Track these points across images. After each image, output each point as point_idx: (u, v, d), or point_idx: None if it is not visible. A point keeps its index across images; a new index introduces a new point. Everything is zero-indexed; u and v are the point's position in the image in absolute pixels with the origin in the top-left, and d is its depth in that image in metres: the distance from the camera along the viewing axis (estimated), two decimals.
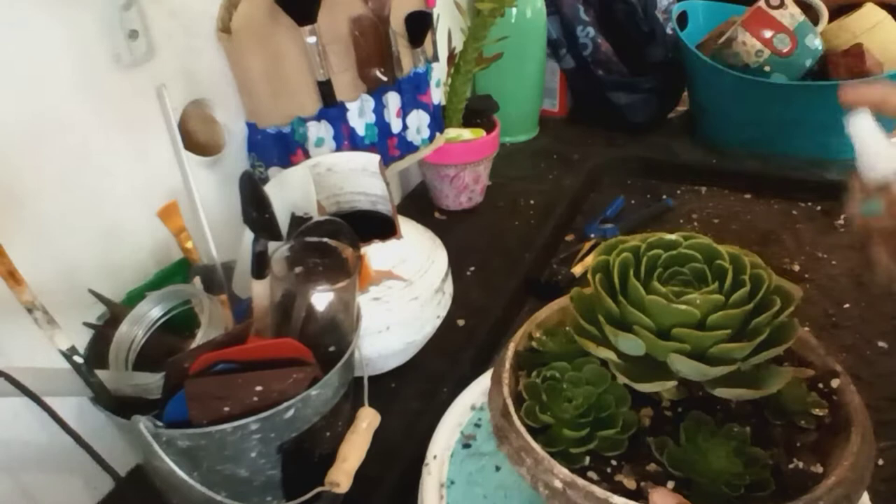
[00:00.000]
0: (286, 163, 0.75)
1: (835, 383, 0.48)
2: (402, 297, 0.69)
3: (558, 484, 0.41)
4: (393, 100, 0.82)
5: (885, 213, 0.41)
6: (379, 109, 0.82)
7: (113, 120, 0.60)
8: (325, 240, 0.56)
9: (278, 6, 0.68)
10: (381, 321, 0.68)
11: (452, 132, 1.02)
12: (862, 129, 0.43)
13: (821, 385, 0.49)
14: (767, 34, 1.11)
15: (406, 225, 0.73)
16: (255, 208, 0.50)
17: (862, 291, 0.88)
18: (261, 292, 0.54)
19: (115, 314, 0.57)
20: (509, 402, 0.47)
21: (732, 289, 0.44)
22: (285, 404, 0.48)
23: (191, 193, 0.65)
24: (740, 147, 1.21)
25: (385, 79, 0.81)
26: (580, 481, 0.41)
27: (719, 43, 1.16)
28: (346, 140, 0.79)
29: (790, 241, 1.01)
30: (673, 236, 0.48)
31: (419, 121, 0.87)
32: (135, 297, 0.58)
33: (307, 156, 0.76)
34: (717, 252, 0.47)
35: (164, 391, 0.50)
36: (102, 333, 0.56)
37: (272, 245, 0.53)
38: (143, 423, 0.45)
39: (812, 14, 1.16)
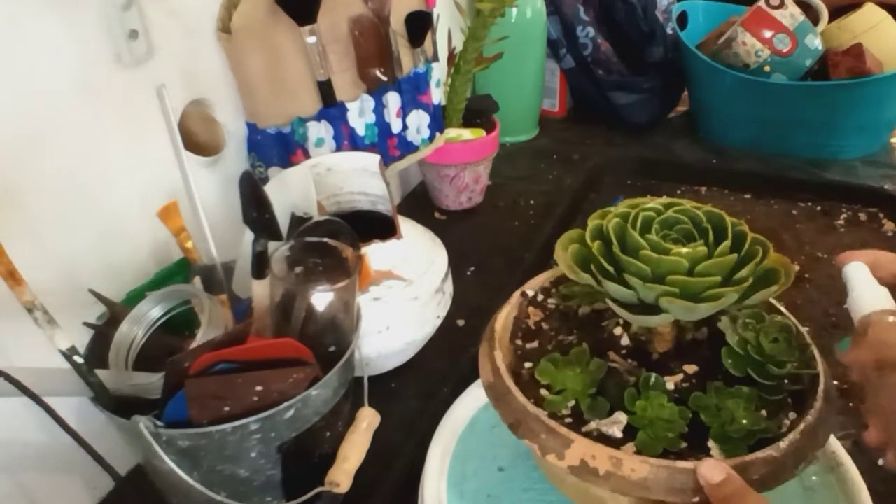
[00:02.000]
0: (286, 163, 0.75)
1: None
2: (402, 297, 0.69)
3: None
4: (393, 100, 0.82)
5: (851, 346, 0.44)
6: (379, 109, 0.82)
7: (113, 120, 0.60)
8: (325, 240, 0.56)
9: (278, 6, 0.68)
10: (381, 321, 0.68)
11: (452, 132, 1.02)
12: (854, 276, 0.47)
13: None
14: (767, 34, 1.11)
15: (406, 225, 0.73)
16: (255, 208, 0.50)
17: None
18: (261, 292, 0.54)
19: (115, 314, 0.57)
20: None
21: (717, 243, 0.46)
22: (285, 404, 0.48)
23: (191, 193, 0.65)
24: (740, 147, 1.22)
25: (385, 79, 0.81)
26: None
27: (719, 43, 1.16)
28: (346, 140, 0.79)
29: (790, 241, 1.01)
30: (656, 203, 0.50)
31: (419, 121, 0.87)
32: (135, 297, 0.58)
33: (307, 156, 0.75)
34: (699, 213, 0.49)
35: (164, 391, 0.50)
36: (102, 333, 0.56)
37: (272, 245, 0.53)
38: (143, 423, 0.45)
39: (812, 14, 1.17)
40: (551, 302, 0.57)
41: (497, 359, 0.49)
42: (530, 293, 0.57)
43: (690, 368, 0.50)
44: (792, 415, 0.46)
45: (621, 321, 0.53)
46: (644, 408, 0.46)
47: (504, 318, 0.54)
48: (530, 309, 0.56)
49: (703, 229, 0.47)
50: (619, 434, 0.45)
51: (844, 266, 0.48)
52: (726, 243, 0.46)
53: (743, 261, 0.46)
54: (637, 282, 0.45)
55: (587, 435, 0.44)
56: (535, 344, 0.53)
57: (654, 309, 0.46)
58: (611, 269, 0.46)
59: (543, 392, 0.49)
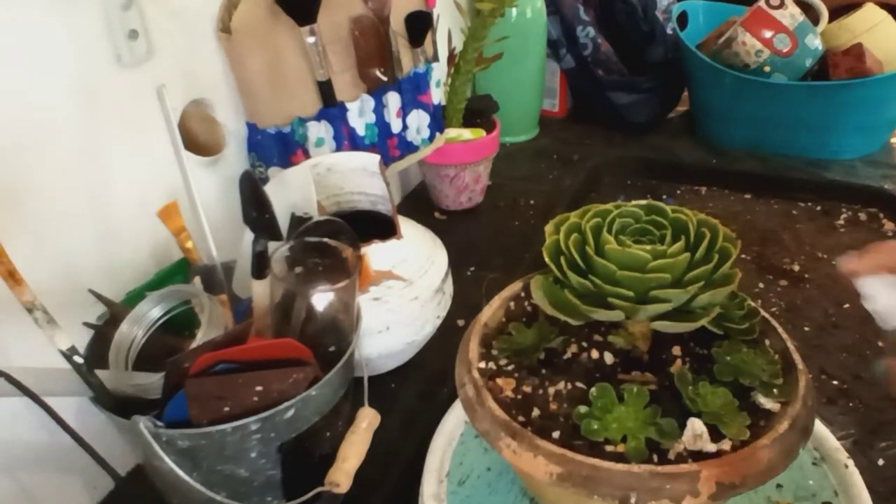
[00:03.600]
0: (286, 163, 0.75)
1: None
2: (402, 297, 0.69)
3: None
4: (393, 100, 0.82)
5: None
6: (379, 109, 0.82)
7: (113, 120, 0.60)
8: (325, 240, 0.56)
9: (278, 6, 0.68)
10: (381, 321, 0.68)
11: (452, 132, 1.02)
12: (871, 289, 0.45)
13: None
14: (767, 34, 1.11)
15: (406, 225, 0.73)
16: (255, 208, 0.50)
17: None
18: (261, 292, 0.54)
19: (115, 314, 0.57)
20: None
21: (674, 242, 0.48)
22: (285, 404, 0.48)
23: (191, 193, 0.65)
24: (740, 147, 1.22)
25: (385, 79, 0.81)
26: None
27: (719, 43, 1.16)
28: (346, 140, 0.79)
29: (790, 241, 1.01)
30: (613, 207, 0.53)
31: (419, 121, 0.87)
32: (135, 297, 0.58)
33: (307, 156, 0.76)
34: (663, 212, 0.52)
35: (164, 391, 0.50)
36: (102, 333, 0.56)
37: (272, 245, 0.53)
38: (143, 423, 0.45)
39: (812, 14, 1.16)
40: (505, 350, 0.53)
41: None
42: (482, 365, 0.51)
43: (677, 350, 0.51)
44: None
45: (585, 344, 0.53)
46: (705, 401, 0.45)
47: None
48: (499, 380, 0.50)
49: (672, 230, 0.50)
50: (712, 446, 0.43)
51: (860, 282, 0.45)
52: (679, 244, 0.47)
53: (697, 263, 0.47)
54: (598, 280, 0.47)
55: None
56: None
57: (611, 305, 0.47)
58: (582, 264, 0.48)
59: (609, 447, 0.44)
